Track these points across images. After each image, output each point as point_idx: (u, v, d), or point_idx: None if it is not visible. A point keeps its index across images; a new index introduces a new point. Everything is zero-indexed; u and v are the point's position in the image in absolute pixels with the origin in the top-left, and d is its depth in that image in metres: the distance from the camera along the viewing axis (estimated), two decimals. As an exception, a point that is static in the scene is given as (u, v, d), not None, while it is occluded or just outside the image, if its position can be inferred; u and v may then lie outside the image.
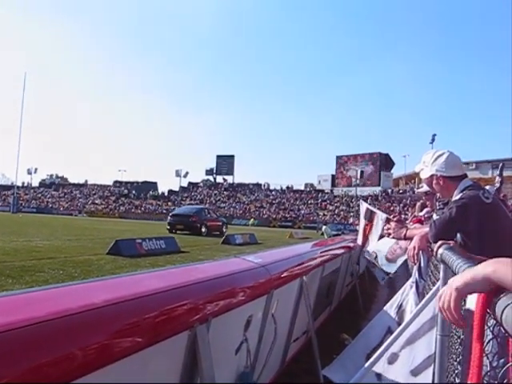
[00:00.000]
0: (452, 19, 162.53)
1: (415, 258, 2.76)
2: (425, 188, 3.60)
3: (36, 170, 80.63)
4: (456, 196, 2.38)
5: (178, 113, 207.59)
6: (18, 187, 72.86)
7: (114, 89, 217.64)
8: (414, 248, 2.70)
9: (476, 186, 2.38)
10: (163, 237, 13.06)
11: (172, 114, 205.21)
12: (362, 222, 6.94)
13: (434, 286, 2.49)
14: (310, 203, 68.37)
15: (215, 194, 77.07)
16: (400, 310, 3.51)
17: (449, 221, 2.30)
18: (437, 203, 4.44)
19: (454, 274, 1.34)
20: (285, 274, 2.70)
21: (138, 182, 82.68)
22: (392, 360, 2.43)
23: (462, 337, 1.53)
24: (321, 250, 4.41)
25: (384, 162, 68.05)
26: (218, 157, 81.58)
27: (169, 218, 23.72)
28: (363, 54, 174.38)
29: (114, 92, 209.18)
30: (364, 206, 7.22)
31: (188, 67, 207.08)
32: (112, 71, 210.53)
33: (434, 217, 3.92)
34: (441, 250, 1.81)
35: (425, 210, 6.10)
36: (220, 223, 24.99)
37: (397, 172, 71.44)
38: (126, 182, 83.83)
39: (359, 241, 6.90)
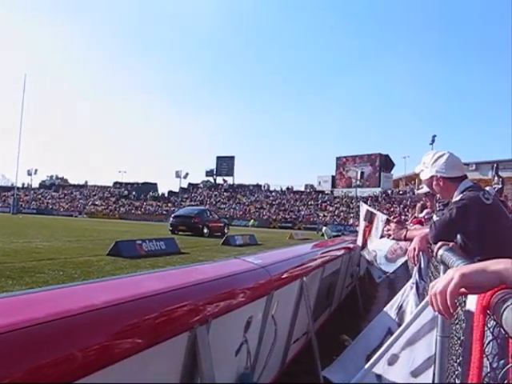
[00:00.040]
0: (452, 19, 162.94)
1: (415, 259, 2.77)
2: (425, 189, 3.61)
3: (36, 171, 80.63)
4: (456, 197, 2.39)
5: (178, 113, 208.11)
6: (18, 188, 72.86)
7: (114, 89, 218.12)
8: (414, 249, 2.70)
9: (476, 187, 2.38)
10: (163, 238, 13.06)
11: (172, 114, 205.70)
12: (362, 223, 6.94)
13: (434, 287, 2.49)
14: (310, 204, 68.36)
15: (215, 195, 77.06)
16: (400, 311, 3.51)
17: (449, 222, 2.30)
18: (437, 204, 4.44)
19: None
20: (285, 275, 2.70)
21: (138, 183, 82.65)
22: (392, 361, 2.43)
23: (462, 338, 1.53)
24: (321, 251, 4.41)
25: (384, 162, 68.04)
26: (218, 158, 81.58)
27: (171, 219, 23.83)
28: (363, 54, 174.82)
29: (113, 92, 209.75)
30: (364, 208, 7.22)
31: (188, 67, 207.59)
32: (112, 71, 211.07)
33: (434, 218, 3.92)
34: (441, 251, 1.81)
35: (425, 211, 6.10)
36: (222, 224, 25.06)
37: (397, 173, 71.53)
38: (126, 183, 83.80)
39: (359, 242, 6.90)
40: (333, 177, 73.36)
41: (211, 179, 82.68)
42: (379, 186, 66.16)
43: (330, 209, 65.57)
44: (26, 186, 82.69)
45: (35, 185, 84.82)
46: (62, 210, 72.20)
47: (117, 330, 1.14)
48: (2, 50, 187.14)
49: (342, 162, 72.60)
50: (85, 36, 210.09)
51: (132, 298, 1.27)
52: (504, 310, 0.71)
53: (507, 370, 0.81)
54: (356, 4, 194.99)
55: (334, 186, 72.32)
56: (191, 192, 79.59)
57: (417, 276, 3.32)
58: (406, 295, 3.53)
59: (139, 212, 70.96)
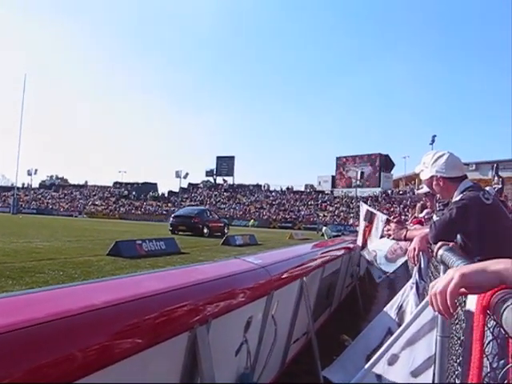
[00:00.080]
0: (452, 19, 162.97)
1: (415, 259, 2.77)
2: (425, 189, 3.61)
3: (36, 171, 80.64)
4: (456, 197, 2.39)
5: (178, 113, 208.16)
6: (18, 188, 72.87)
7: (114, 89, 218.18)
8: (414, 249, 2.70)
9: (476, 187, 2.38)
10: (163, 238, 13.05)
11: (172, 114, 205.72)
12: (362, 223, 6.94)
13: (434, 287, 2.49)
14: (310, 204, 68.36)
15: (215, 195, 77.07)
16: (400, 311, 3.51)
17: (449, 222, 2.30)
18: (437, 204, 4.44)
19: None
20: (285, 275, 2.70)
21: (137, 183, 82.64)
22: (392, 361, 2.43)
23: (462, 338, 1.53)
24: (321, 251, 4.41)
25: (384, 163, 68.03)
26: (218, 158, 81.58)
27: (171, 219, 23.85)
28: (363, 54, 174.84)
29: (113, 92, 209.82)
30: (364, 208, 7.22)
31: (188, 67, 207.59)
32: (112, 71, 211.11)
33: (434, 218, 3.92)
34: (441, 251, 1.81)
35: (425, 211, 6.10)
36: (222, 224, 25.08)
37: (397, 173, 71.55)
38: (126, 183, 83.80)
39: (359, 242, 6.90)
40: (333, 177, 73.35)
41: (211, 179, 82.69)
42: (379, 186, 66.15)
43: (330, 209, 65.58)
44: (26, 186, 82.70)
45: (35, 185, 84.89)
46: (62, 210, 72.20)
47: (117, 330, 1.14)
48: (2, 50, 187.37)
49: (341, 162, 72.60)
50: (85, 36, 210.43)
51: (132, 298, 1.27)
52: (504, 310, 0.71)
53: (507, 370, 0.81)
54: (356, 4, 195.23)
55: (333, 186, 72.31)
56: (191, 192, 79.59)
57: (417, 276, 3.32)
58: (406, 295, 3.53)
59: (139, 212, 70.96)
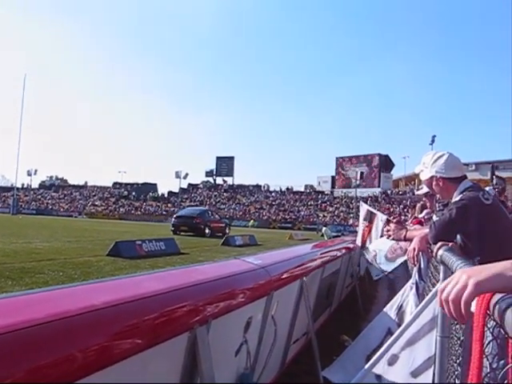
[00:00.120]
0: (452, 19, 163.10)
1: (415, 259, 2.77)
2: (424, 189, 3.60)
3: (36, 171, 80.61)
4: (456, 197, 2.39)
5: (178, 113, 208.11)
6: (17, 189, 72.84)
7: (114, 89, 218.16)
8: (414, 249, 2.70)
9: (476, 188, 2.38)
10: (163, 238, 13.05)
11: (172, 114, 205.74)
12: (362, 223, 6.94)
13: (433, 287, 2.49)
14: (310, 204, 68.37)
15: (215, 196, 77.07)
16: (400, 311, 3.51)
17: (449, 222, 2.30)
18: (437, 204, 4.44)
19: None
20: (285, 276, 2.70)
21: (137, 184, 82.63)
22: (392, 361, 2.43)
23: (462, 338, 1.53)
24: (321, 252, 4.41)
25: (384, 163, 68.03)
26: (218, 158, 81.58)
27: (173, 219, 24.06)
28: (363, 54, 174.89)
29: (113, 92, 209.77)
30: (364, 208, 7.23)
31: (188, 67, 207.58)
32: (112, 71, 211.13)
33: (434, 218, 3.92)
34: (441, 252, 1.81)
35: (425, 212, 6.11)
36: (223, 225, 25.23)
37: (397, 173, 71.57)
38: (126, 184, 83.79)
39: (358, 242, 6.90)
40: (332, 177, 73.35)
41: (211, 179, 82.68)
42: (379, 187, 66.17)
43: (330, 209, 65.58)
44: (25, 186, 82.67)
45: (35, 185, 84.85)
46: (61, 210, 72.19)
47: (117, 331, 1.14)
48: (2, 50, 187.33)
49: (341, 163, 72.60)
50: (85, 36, 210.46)
51: (132, 299, 1.27)
52: (504, 310, 0.71)
53: (507, 371, 0.81)
54: (356, 4, 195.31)
55: (333, 186, 72.31)
56: (191, 192, 79.58)
57: (416, 276, 3.32)
58: (406, 295, 3.53)
59: (139, 212, 70.96)
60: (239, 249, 15.20)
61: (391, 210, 51.39)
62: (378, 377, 2.45)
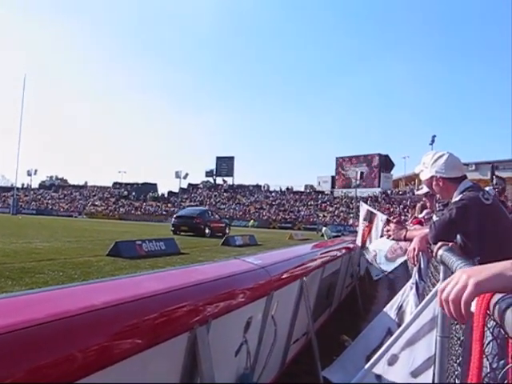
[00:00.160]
0: (452, 19, 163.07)
1: (415, 259, 2.77)
2: (424, 189, 3.61)
3: (36, 171, 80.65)
4: (456, 197, 2.39)
5: (178, 113, 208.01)
6: (17, 189, 72.84)
7: (114, 89, 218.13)
8: (414, 249, 2.70)
9: (476, 188, 2.38)
10: (163, 238, 13.05)
11: (172, 114, 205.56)
12: (362, 223, 6.94)
13: (433, 287, 2.49)
14: (310, 204, 68.37)
15: (215, 196, 77.07)
16: (400, 311, 3.51)
17: (449, 222, 2.30)
18: (437, 204, 4.44)
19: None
20: (285, 276, 2.70)
21: (137, 184, 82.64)
22: (392, 361, 2.43)
23: (461, 338, 1.53)
24: (321, 252, 4.41)
25: (384, 163, 68.04)
26: (218, 158, 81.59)
27: (173, 219, 24.12)
28: (363, 54, 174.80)
29: (113, 92, 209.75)
30: (364, 208, 7.23)
31: (188, 67, 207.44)
32: (112, 71, 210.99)
33: (434, 218, 3.92)
34: (441, 252, 1.81)
35: (424, 212, 6.11)
36: (223, 225, 25.29)
37: (397, 173, 71.59)
38: (126, 184, 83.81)
39: (358, 242, 6.90)
40: (332, 177, 73.36)
41: (211, 179, 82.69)
42: (379, 187, 66.18)
43: (330, 209, 65.59)
44: (25, 186, 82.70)
45: (35, 185, 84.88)
46: (61, 210, 72.21)
47: (116, 331, 1.14)
48: (2, 50, 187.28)
49: (341, 163, 72.60)
50: (85, 36, 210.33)
51: (132, 299, 1.27)
52: (504, 310, 0.71)
53: (507, 371, 0.81)
54: (356, 4, 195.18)
55: (333, 186, 72.32)
56: (191, 192, 79.59)
57: (416, 276, 3.32)
58: (406, 295, 3.53)
59: (139, 212, 70.97)
60: (239, 249, 15.20)
61: (391, 210, 51.39)
62: (378, 377, 2.45)
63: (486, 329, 0.80)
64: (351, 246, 6.68)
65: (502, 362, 1.03)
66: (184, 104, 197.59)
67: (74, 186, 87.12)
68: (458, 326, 1.66)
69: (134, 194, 78.58)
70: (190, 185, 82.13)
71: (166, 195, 79.87)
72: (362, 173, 65.74)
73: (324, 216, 62.31)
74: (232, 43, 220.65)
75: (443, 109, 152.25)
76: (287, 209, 68.23)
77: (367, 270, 7.88)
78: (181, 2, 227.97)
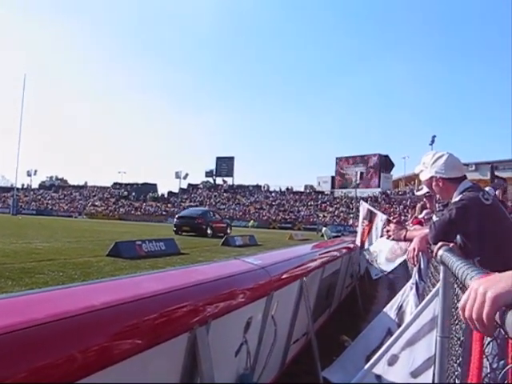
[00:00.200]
0: (452, 19, 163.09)
1: (415, 259, 2.77)
2: (424, 190, 3.60)
3: (36, 171, 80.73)
4: (456, 198, 2.39)
5: (178, 113, 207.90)
6: (17, 189, 72.84)
7: (114, 89, 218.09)
8: (414, 249, 2.70)
9: (476, 188, 2.38)
10: (163, 238, 13.05)
11: (172, 114, 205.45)
12: (363, 222, 6.95)
13: (433, 287, 2.49)
14: (310, 205, 68.38)
15: (215, 196, 77.08)
16: (400, 311, 3.51)
17: (449, 222, 2.30)
18: (436, 205, 4.44)
19: (454, 275, 1.34)
20: (285, 276, 2.70)
21: (137, 184, 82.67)
22: (392, 361, 2.43)
23: (462, 338, 1.53)
24: (321, 252, 4.41)
25: (384, 163, 68.07)
26: (218, 158, 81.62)
27: (175, 219, 24.43)
28: (363, 53, 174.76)
29: (113, 92, 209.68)
30: (364, 207, 7.23)
31: (188, 67, 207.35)
32: (111, 71, 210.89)
33: (434, 218, 3.92)
34: (441, 252, 1.81)
35: (424, 212, 6.11)
36: (225, 225, 25.49)
37: (396, 173, 71.63)
38: (126, 184, 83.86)
39: (358, 241, 6.91)
40: (332, 177, 73.39)
41: (211, 180, 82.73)
42: (379, 187, 66.20)
43: (330, 209, 65.60)
44: (25, 186, 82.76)
45: (35, 185, 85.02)
46: (61, 210, 72.25)
47: (116, 331, 1.14)
48: (2, 50, 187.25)
49: (341, 163, 72.62)
50: (85, 36, 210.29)
51: (132, 299, 1.27)
52: (504, 310, 0.71)
53: (507, 371, 0.81)
54: (356, 4, 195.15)
55: (333, 186, 72.33)
56: (191, 193, 79.60)
57: (416, 276, 3.32)
58: (406, 296, 3.53)
59: (139, 213, 70.98)
60: (239, 249, 15.20)
61: (391, 210, 51.39)
62: (378, 377, 2.45)
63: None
64: (351, 246, 6.68)
65: (502, 362, 1.03)
66: (184, 104, 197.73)
67: (73, 187, 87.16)
68: (458, 327, 1.66)
69: (133, 194, 78.59)
70: (189, 185, 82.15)
71: (165, 195, 79.89)
72: (361, 173, 65.76)
73: (324, 216, 62.31)
74: (232, 43, 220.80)
75: (443, 109, 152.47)
76: (287, 209, 68.24)
77: (367, 270, 7.89)
78: (181, 2, 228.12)
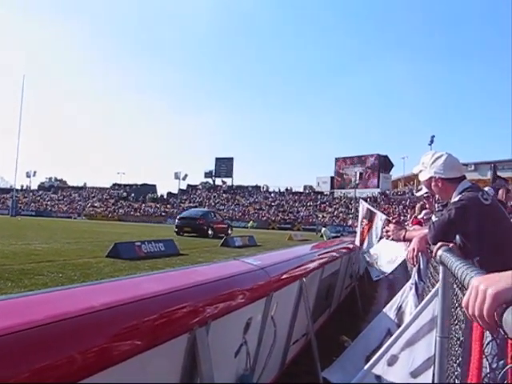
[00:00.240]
0: (452, 19, 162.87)
1: (414, 259, 2.77)
2: (423, 190, 3.61)
3: (35, 172, 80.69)
4: (455, 198, 2.39)
5: (178, 113, 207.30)
6: (16, 190, 72.69)
7: (114, 89, 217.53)
8: (414, 250, 2.70)
9: (475, 188, 2.39)
10: (162, 239, 13.05)
11: (172, 114, 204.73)
12: (362, 221, 6.95)
13: (433, 287, 2.50)
14: (309, 205, 68.42)
15: (214, 197, 77.09)
16: (399, 311, 3.52)
17: (448, 222, 2.30)
18: (436, 205, 4.45)
19: (454, 275, 1.34)
20: (284, 276, 2.70)
21: (136, 185, 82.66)
22: (392, 362, 2.43)
23: (461, 338, 1.53)
24: (320, 252, 4.42)
25: (383, 163, 68.14)
26: (217, 159, 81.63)
27: (176, 220, 24.68)
28: (363, 53, 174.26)
29: (113, 92, 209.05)
30: (364, 206, 7.23)
31: (188, 67, 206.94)
32: (111, 71, 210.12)
33: (433, 218, 3.93)
34: (440, 252, 1.81)
35: (423, 212, 6.12)
36: (225, 226, 25.65)
37: (396, 174, 71.68)
38: (125, 185, 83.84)
39: (357, 241, 6.91)
40: (332, 178, 73.43)
41: (210, 180, 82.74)
42: (378, 187, 66.26)
43: (329, 210, 65.64)
44: (24, 187, 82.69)
45: (34, 187, 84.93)
46: (60, 211, 72.17)
47: (116, 332, 1.14)
48: (2, 50, 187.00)
49: (340, 163, 72.67)
50: (84, 36, 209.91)
51: (131, 300, 1.27)
52: (503, 310, 0.71)
53: (506, 371, 0.81)
54: (356, 4, 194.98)
55: (332, 186, 72.37)
56: (190, 193, 79.58)
57: (416, 277, 3.33)
58: (406, 296, 3.54)
59: (138, 214, 70.97)
60: (238, 250, 15.20)
61: (390, 210, 51.42)
62: (378, 377, 2.46)
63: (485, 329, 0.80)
64: (350, 246, 6.68)
65: (502, 362, 1.03)
66: (183, 104, 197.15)
67: (73, 188, 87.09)
68: (457, 327, 1.66)
69: (133, 195, 78.56)
70: (189, 186, 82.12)
71: (165, 196, 79.89)
72: (360, 173, 65.79)
73: (323, 217, 62.34)
74: (232, 43, 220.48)
75: (443, 109, 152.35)
76: (286, 209, 68.26)
77: (366, 271, 7.89)
78: (180, 2, 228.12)
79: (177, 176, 76.41)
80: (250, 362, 2.29)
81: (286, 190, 76.04)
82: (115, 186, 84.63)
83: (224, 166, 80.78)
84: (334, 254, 5.03)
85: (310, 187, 76.40)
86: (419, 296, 3.28)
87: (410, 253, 2.74)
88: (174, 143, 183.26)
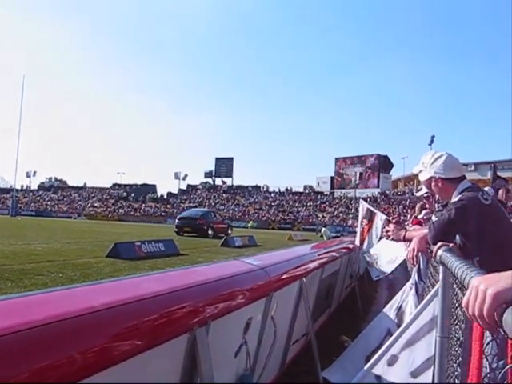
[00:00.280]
0: (452, 19, 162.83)
1: (414, 259, 2.77)
2: (423, 191, 3.61)
3: (35, 173, 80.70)
4: (455, 198, 2.39)
5: (178, 113, 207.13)
6: (16, 190, 72.65)
7: (114, 89, 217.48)
8: (414, 250, 2.70)
9: (475, 188, 2.39)
10: (162, 239, 13.05)
11: (172, 114, 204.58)
12: (362, 221, 6.95)
13: (433, 287, 2.50)
14: (309, 205, 68.42)
15: (214, 197, 77.09)
16: (399, 311, 3.52)
17: (448, 222, 2.30)
18: (436, 205, 4.45)
19: (454, 275, 1.34)
20: (284, 276, 2.70)
21: (136, 185, 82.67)
22: (392, 362, 2.43)
23: (461, 338, 1.53)
24: (320, 252, 4.42)
25: (383, 163, 68.13)
26: (217, 159, 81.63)
27: (176, 220, 24.68)
28: (363, 53, 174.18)
29: (113, 92, 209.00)
30: (364, 206, 7.23)
31: (188, 67, 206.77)
32: (111, 71, 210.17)
33: (433, 218, 3.93)
34: (440, 252, 1.81)
35: (423, 212, 6.12)
36: (226, 226, 25.66)
37: (396, 174, 71.67)
38: (125, 185, 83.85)
39: (357, 241, 6.91)
40: (332, 178, 73.43)
41: (210, 180, 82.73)
42: (378, 187, 66.26)
43: (329, 210, 65.64)
44: (24, 187, 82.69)
45: (34, 187, 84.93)
46: (60, 211, 72.16)
47: (116, 332, 1.14)
48: (2, 50, 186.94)
49: (340, 163, 72.67)
50: (84, 36, 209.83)
51: (131, 300, 1.27)
52: (503, 310, 0.71)
53: (506, 371, 0.81)
54: (356, 4, 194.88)
55: (332, 186, 72.37)
56: (190, 193, 79.58)
57: (416, 277, 3.33)
58: (406, 296, 3.54)
59: (138, 214, 70.96)
60: (238, 250, 15.20)
61: (390, 210, 51.42)
62: (378, 377, 2.46)
63: (485, 329, 0.80)
64: (350, 246, 6.68)
65: (502, 362, 1.03)
66: (184, 104, 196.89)
67: (73, 188, 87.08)
68: (457, 327, 1.66)
69: (133, 195, 78.56)
70: (189, 186, 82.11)
71: (165, 196, 79.89)
72: (360, 173, 65.79)
73: (323, 217, 62.34)
74: (232, 43, 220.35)
75: (443, 109, 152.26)
76: (286, 209, 68.26)
77: (366, 270, 7.89)
78: (180, 2, 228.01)
79: (177, 176, 76.40)
80: (250, 362, 2.29)
81: (286, 189, 76.05)
82: (115, 186, 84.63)
83: (224, 166, 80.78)
84: (334, 253, 5.03)
85: (310, 187, 76.40)
86: (419, 296, 3.28)
87: (410, 253, 2.74)
88: (174, 143, 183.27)
